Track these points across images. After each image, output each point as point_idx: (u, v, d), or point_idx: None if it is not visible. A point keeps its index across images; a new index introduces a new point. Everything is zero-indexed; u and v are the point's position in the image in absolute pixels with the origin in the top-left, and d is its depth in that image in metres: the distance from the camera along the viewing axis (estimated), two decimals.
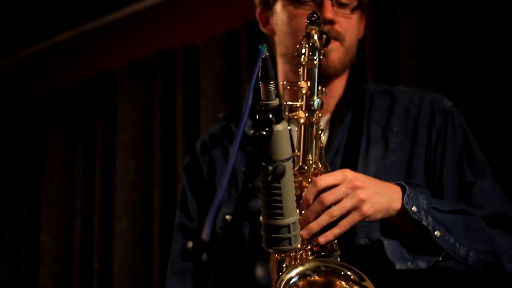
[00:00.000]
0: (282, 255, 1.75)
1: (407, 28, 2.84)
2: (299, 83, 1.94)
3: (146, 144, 3.77)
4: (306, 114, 1.92)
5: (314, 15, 1.97)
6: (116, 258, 3.75)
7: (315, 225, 1.75)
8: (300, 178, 1.87)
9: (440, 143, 2.08)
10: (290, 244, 1.57)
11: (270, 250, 1.60)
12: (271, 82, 1.47)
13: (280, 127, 1.49)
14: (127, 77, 3.91)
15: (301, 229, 1.71)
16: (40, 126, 4.29)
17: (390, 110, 2.19)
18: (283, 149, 1.50)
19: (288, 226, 1.55)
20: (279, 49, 2.23)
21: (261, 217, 1.57)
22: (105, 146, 3.94)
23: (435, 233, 1.84)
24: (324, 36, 2.01)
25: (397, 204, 1.82)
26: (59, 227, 4.06)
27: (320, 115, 1.93)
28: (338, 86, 2.22)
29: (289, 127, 1.62)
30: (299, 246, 1.67)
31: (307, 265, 1.74)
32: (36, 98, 4.38)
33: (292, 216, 1.55)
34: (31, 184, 4.25)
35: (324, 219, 1.74)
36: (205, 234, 1.22)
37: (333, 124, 2.18)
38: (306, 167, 1.88)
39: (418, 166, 2.07)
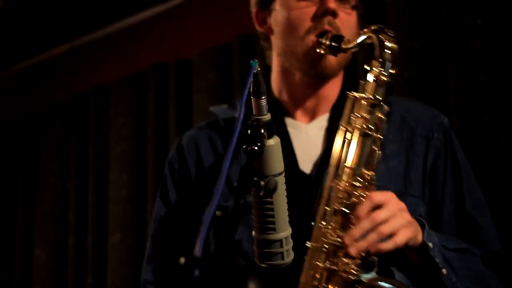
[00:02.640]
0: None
1: (399, 41, 2.81)
2: (364, 94, 1.94)
3: (139, 158, 3.77)
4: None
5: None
6: (109, 272, 3.74)
7: (364, 243, 1.75)
8: (351, 190, 1.85)
9: (441, 161, 2.07)
10: (283, 259, 1.56)
11: (263, 265, 1.60)
12: (263, 97, 1.47)
13: (272, 141, 1.49)
14: (120, 91, 3.91)
15: (347, 246, 1.74)
16: (33, 140, 4.29)
17: (387, 118, 2.19)
18: (275, 164, 1.50)
19: (280, 240, 1.54)
20: (277, 48, 2.19)
21: (253, 232, 1.58)
22: (98, 160, 3.94)
23: (443, 270, 1.86)
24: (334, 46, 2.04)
25: (420, 236, 1.84)
26: (53, 242, 4.05)
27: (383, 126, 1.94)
28: (333, 88, 2.21)
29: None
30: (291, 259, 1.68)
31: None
32: (29, 112, 4.38)
33: (284, 230, 1.55)
34: (24, 199, 4.24)
35: (373, 237, 1.75)
36: (198, 250, 1.22)
37: (330, 129, 2.17)
38: (361, 180, 1.86)
39: (415, 177, 2.06)
